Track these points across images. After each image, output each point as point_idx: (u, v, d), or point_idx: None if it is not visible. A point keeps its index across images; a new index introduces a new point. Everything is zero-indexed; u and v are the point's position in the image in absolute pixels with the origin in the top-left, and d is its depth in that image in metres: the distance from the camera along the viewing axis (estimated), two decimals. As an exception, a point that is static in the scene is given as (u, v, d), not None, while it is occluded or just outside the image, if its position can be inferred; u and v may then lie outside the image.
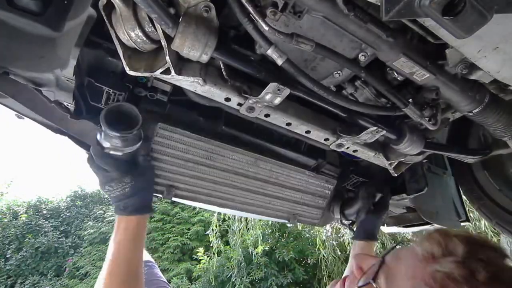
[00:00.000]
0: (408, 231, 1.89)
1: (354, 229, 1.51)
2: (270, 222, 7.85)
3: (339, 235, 7.33)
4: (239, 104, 0.92)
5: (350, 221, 1.54)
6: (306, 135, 1.07)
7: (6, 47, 0.65)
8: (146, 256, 1.49)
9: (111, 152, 0.92)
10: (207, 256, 8.26)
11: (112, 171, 0.92)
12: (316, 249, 6.92)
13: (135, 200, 0.95)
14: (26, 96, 0.81)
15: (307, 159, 1.44)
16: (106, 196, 0.97)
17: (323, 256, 6.76)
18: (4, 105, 0.86)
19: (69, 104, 0.98)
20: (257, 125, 1.28)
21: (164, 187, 1.14)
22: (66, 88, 0.89)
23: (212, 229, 7.31)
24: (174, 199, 1.19)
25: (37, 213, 13.34)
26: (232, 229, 7.68)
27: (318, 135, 1.07)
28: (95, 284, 0.90)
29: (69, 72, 0.82)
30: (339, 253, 7.10)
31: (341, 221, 1.54)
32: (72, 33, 0.70)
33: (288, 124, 1.01)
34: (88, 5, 0.69)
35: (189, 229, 10.62)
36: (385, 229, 1.99)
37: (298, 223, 1.53)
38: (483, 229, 5.15)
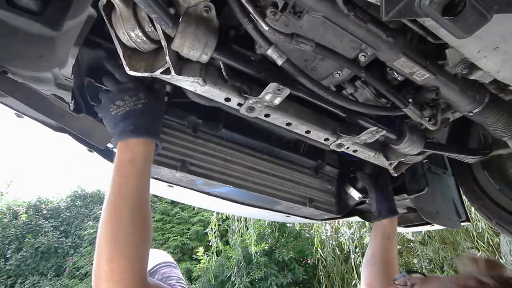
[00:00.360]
0: (408, 231, 1.90)
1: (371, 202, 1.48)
2: (269, 222, 7.85)
3: (338, 235, 7.33)
4: (239, 104, 0.92)
5: (364, 196, 1.52)
6: (306, 135, 1.07)
7: (5, 46, 0.65)
8: (168, 257, 1.50)
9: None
10: (207, 256, 8.26)
11: (129, 81, 0.88)
12: (314, 249, 6.92)
13: (145, 120, 0.87)
14: (24, 94, 0.81)
15: (306, 160, 1.45)
16: (113, 113, 0.88)
17: (321, 256, 6.76)
18: (4, 104, 0.86)
19: (70, 105, 0.98)
20: (256, 127, 1.28)
21: (178, 161, 1.15)
22: (65, 87, 0.89)
23: (211, 228, 7.31)
24: (189, 175, 1.18)
25: (37, 213, 13.33)
26: (232, 229, 7.68)
27: (318, 135, 1.07)
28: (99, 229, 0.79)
29: (67, 71, 0.82)
30: (339, 253, 7.10)
31: (358, 197, 1.53)
32: (71, 32, 0.70)
33: (288, 124, 1.01)
34: (88, 5, 0.69)
35: (189, 229, 10.62)
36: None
37: (298, 222, 1.52)
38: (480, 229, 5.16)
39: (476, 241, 5.56)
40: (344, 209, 1.58)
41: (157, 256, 1.46)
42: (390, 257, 1.29)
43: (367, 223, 6.06)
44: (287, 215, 1.65)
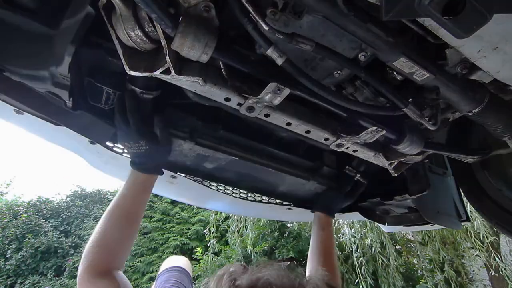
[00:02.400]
0: (409, 231, 1.90)
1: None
2: (269, 222, 7.85)
3: (339, 235, 7.33)
4: (239, 104, 0.92)
5: (360, 173, 1.54)
6: (306, 135, 1.06)
7: (2, 44, 0.64)
8: (180, 262, 1.60)
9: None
10: (207, 256, 8.26)
11: (133, 128, 1.01)
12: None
13: (147, 160, 1.05)
14: (20, 93, 0.81)
15: (305, 161, 1.44)
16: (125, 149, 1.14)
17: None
18: (3, 100, 0.86)
19: (67, 102, 0.98)
20: (255, 128, 1.28)
21: (187, 133, 1.17)
22: (62, 86, 0.89)
23: (209, 229, 7.32)
24: (197, 147, 1.20)
25: (37, 213, 13.31)
26: (231, 229, 7.68)
27: (318, 135, 1.07)
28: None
29: (64, 69, 0.82)
30: (339, 253, 7.10)
31: (349, 171, 1.54)
32: (68, 30, 0.70)
33: (288, 124, 1.01)
34: (86, 4, 0.69)
35: (188, 229, 10.62)
36: (386, 228, 1.99)
37: (298, 220, 1.51)
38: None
39: (474, 240, 5.57)
40: (346, 185, 1.57)
41: (170, 262, 1.61)
42: (329, 248, 1.40)
43: (368, 223, 6.06)
44: (289, 206, 1.64)
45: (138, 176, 1.05)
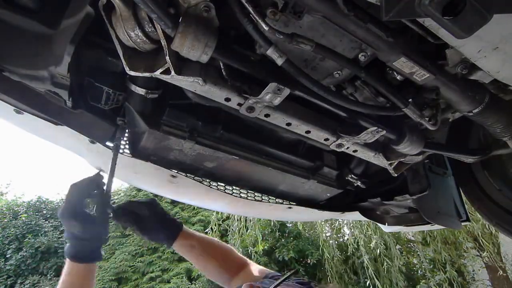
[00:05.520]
0: (409, 231, 1.90)
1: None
2: (270, 222, 7.85)
3: (339, 235, 7.33)
4: (239, 104, 0.92)
5: (357, 178, 1.52)
6: (306, 135, 1.06)
7: (1, 44, 0.64)
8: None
9: None
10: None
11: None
12: (314, 249, 6.92)
13: (83, 247, 1.04)
14: (20, 93, 0.81)
15: (305, 161, 1.45)
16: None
17: (321, 256, 6.76)
18: (3, 100, 0.86)
19: (67, 101, 0.98)
20: (255, 128, 1.28)
21: (187, 132, 1.15)
22: (62, 86, 0.89)
23: (211, 228, 7.32)
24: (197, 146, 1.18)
25: (37, 213, 13.33)
26: (232, 229, 7.68)
27: (318, 135, 1.07)
28: None
29: (63, 69, 0.82)
30: (339, 253, 7.10)
31: (351, 177, 1.53)
32: (68, 30, 0.70)
33: (288, 124, 1.01)
34: (86, 4, 0.69)
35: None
36: (386, 228, 1.99)
37: (298, 220, 1.50)
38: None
39: (471, 240, 5.57)
40: (344, 184, 1.57)
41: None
42: (212, 255, 1.25)
43: (372, 224, 6.06)
44: (289, 205, 1.65)
45: (78, 267, 1.03)
